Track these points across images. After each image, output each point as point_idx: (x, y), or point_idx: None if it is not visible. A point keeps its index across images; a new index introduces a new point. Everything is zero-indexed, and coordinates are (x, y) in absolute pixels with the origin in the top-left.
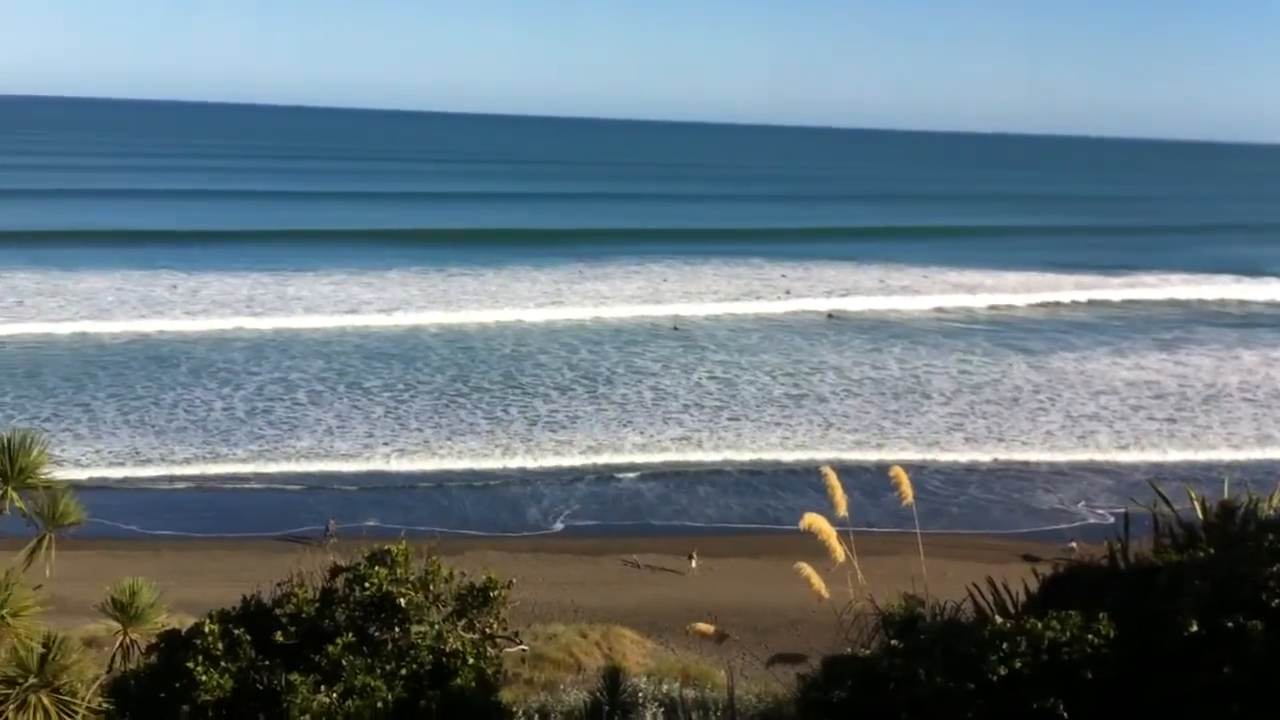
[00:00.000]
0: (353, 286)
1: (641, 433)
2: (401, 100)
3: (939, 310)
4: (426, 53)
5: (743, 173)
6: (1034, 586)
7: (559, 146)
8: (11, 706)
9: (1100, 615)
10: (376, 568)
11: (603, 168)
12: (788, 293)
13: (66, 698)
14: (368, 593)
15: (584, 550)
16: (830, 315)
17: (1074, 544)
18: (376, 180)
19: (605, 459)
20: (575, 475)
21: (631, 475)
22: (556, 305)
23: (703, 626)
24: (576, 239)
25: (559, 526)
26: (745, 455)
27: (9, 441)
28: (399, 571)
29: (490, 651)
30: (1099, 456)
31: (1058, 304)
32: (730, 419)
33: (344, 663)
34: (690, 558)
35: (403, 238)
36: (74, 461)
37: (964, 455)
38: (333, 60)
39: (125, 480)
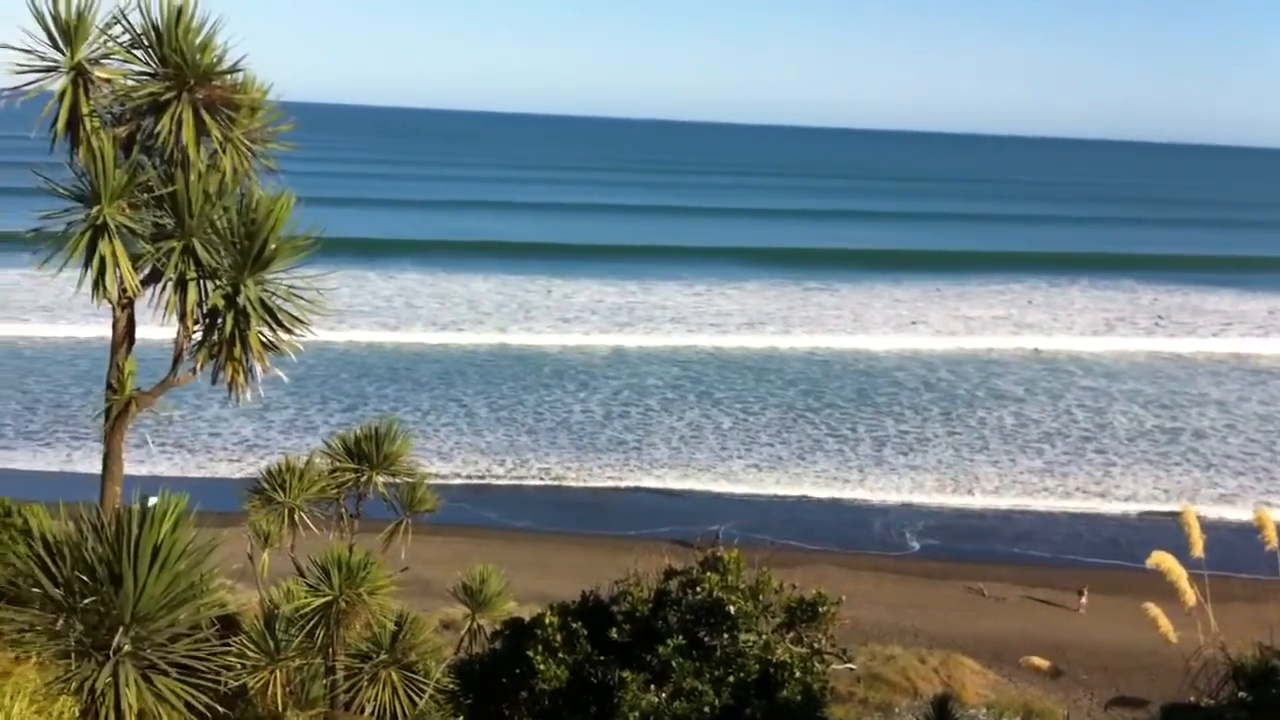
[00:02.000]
0: (714, 297)
1: (995, 463)
2: (764, 115)
3: None
4: (784, 66)
5: (1106, 192)
6: None
7: (916, 162)
8: (365, 679)
9: None
10: (709, 573)
11: (958, 185)
12: (1160, 319)
13: (416, 675)
14: (699, 597)
15: (926, 573)
16: (1230, 354)
17: None
18: (732, 196)
19: (953, 485)
20: (921, 497)
21: (979, 502)
22: (915, 324)
23: (1036, 661)
24: (933, 260)
25: (914, 546)
26: (1111, 496)
27: (376, 430)
28: (730, 579)
29: (818, 667)
30: None
31: None
32: (1096, 451)
33: (674, 664)
34: (1080, 594)
35: (759, 255)
36: (461, 461)
37: None
38: (697, 73)
39: (497, 477)
